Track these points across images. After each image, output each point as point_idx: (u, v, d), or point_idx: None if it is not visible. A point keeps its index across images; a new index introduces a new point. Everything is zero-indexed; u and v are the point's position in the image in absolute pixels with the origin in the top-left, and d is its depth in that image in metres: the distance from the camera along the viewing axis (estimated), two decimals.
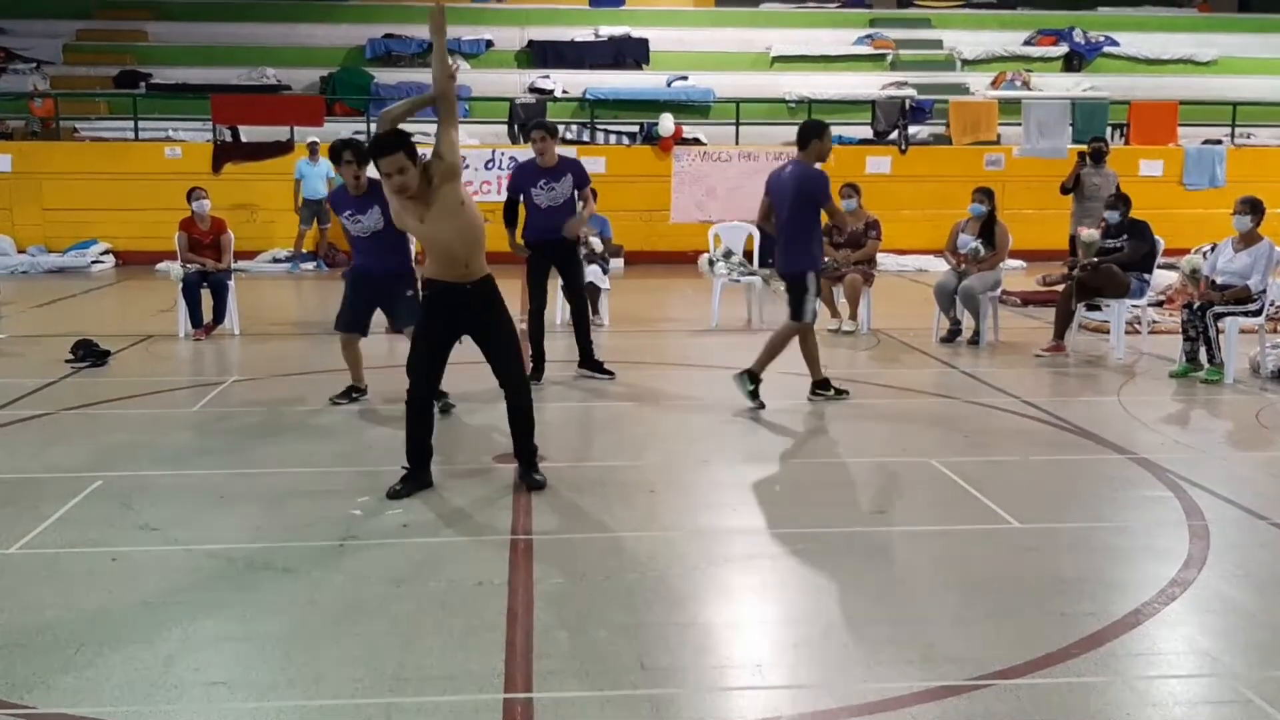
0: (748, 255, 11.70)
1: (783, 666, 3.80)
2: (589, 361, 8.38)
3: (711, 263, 11.44)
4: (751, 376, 7.48)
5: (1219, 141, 18.93)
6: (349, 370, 7.70)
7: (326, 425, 7.12)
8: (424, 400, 5.62)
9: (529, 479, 5.71)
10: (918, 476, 5.98)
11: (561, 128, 18.55)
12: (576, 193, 8.17)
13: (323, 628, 4.04)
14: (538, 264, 8.21)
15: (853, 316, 10.63)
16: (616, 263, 13.97)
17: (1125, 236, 9.52)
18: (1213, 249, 9.41)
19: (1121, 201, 9.75)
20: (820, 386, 7.76)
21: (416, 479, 5.63)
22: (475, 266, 5.49)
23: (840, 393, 7.77)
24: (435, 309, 5.52)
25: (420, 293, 5.85)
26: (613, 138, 18.39)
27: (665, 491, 5.73)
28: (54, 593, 4.35)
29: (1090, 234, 10.12)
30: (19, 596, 4.31)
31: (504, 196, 8.35)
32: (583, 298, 8.50)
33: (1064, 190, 13.08)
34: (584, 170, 8.33)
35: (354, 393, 7.68)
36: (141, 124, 17.75)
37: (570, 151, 17.30)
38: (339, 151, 7.46)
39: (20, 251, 16.35)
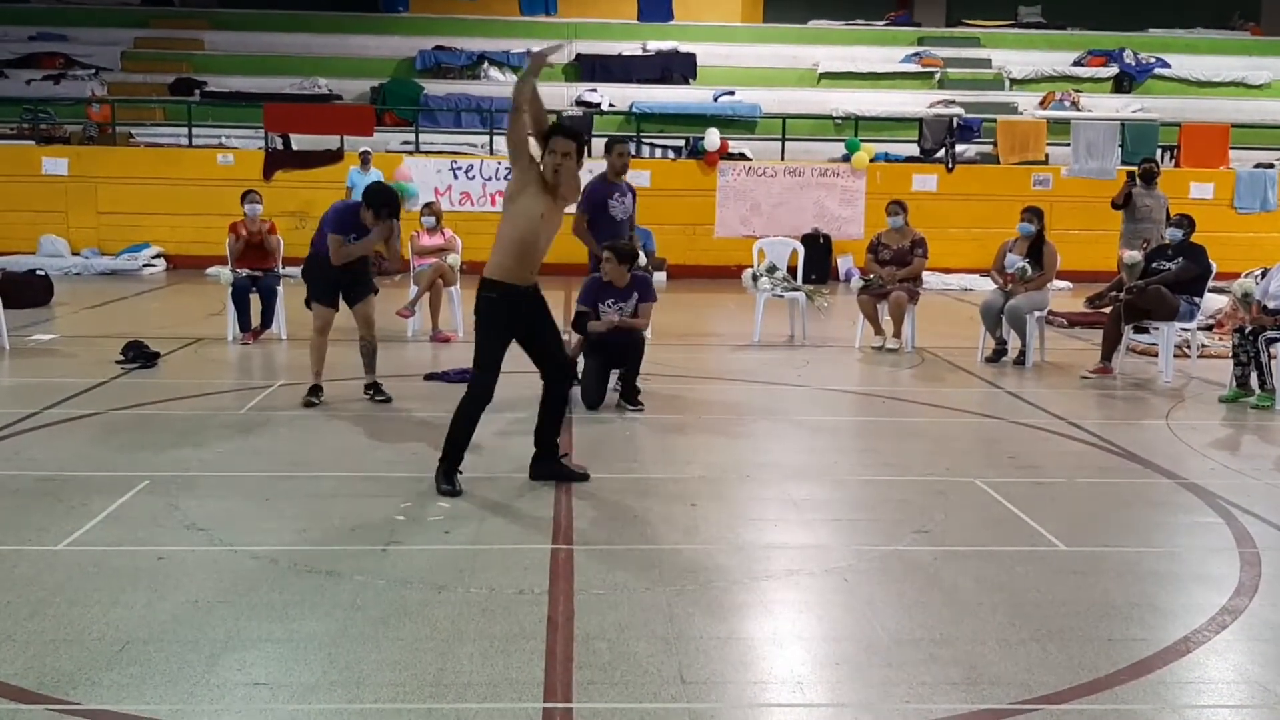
0: (792, 271, 11.66)
1: (823, 684, 3.77)
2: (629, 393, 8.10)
3: (755, 277, 11.41)
4: None
5: (1271, 165, 18.67)
6: (311, 362, 7.84)
7: (371, 430, 7.17)
8: (486, 402, 5.77)
9: (564, 470, 5.99)
10: (962, 496, 5.91)
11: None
12: (639, 307, 8.06)
13: (365, 631, 4.06)
14: (598, 362, 7.96)
15: (897, 334, 10.56)
16: (659, 276, 13.97)
17: (1180, 259, 9.39)
18: (1264, 273, 9.26)
19: (1186, 221, 9.59)
20: None
21: (454, 477, 5.77)
22: (536, 273, 5.81)
23: None
24: (498, 313, 5.70)
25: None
26: (659, 152, 18.46)
27: (707, 505, 5.71)
28: (100, 590, 4.40)
29: (1132, 255, 10.00)
30: (66, 593, 4.36)
31: None
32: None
33: (1115, 206, 12.94)
34: (651, 289, 8.19)
35: (320, 392, 7.82)
36: (195, 131, 18.06)
37: None
38: (383, 206, 7.65)
39: (74, 254, 16.65)
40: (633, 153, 18.05)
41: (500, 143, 17.92)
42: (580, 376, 7.68)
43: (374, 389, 7.93)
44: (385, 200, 7.65)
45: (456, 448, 5.76)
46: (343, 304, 7.95)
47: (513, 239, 5.63)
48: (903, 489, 6.07)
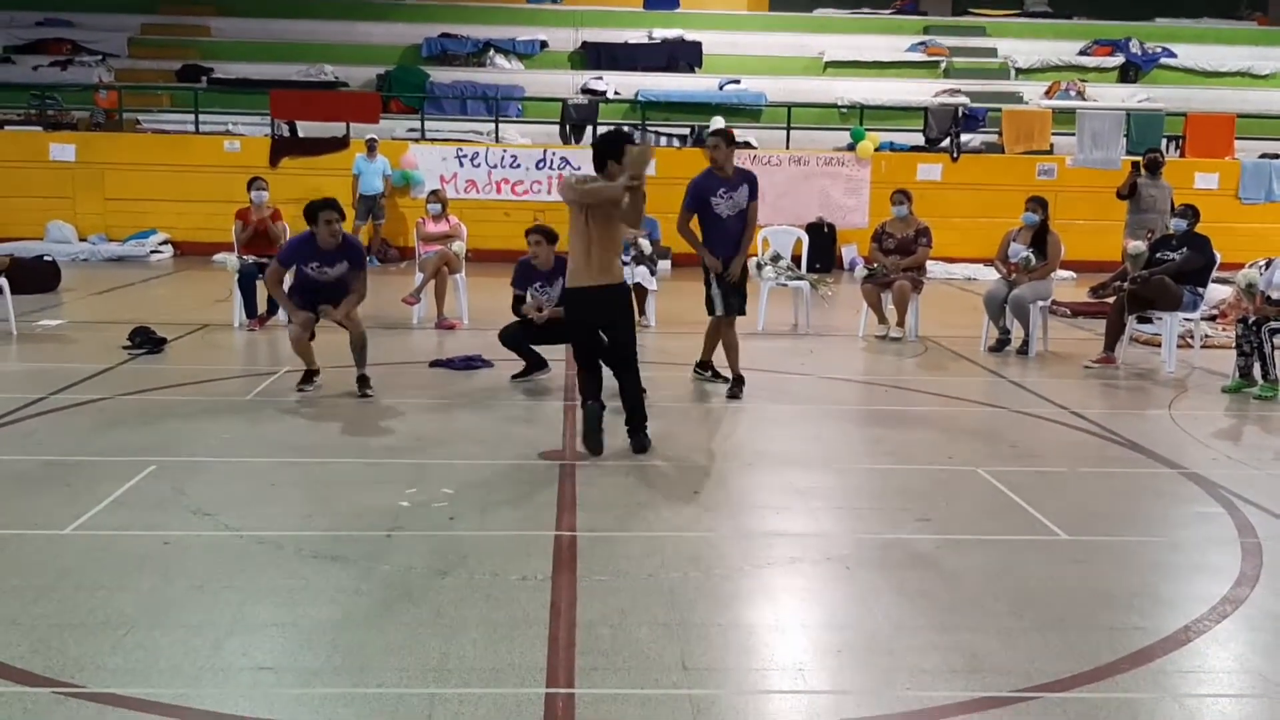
0: (796, 259, 11.66)
1: (825, 671, 3.79)
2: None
3: (760, 266, 11.41)
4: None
5: (1276, 156, 18.60)
6: (303, 361, 7.86)
7: (376, 416, 7.19)
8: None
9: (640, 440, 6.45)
10: (964, 485, 5.93)
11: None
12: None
13: (369, 616, 4.09)
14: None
15: (900, 323, 10.56)
16: (663, 264, 13.98)
17: (1184, 249, 9.37)
18: (1268, 264, 9.24)
19: (1190, 212, 9.57)
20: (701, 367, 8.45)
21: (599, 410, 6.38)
22: None
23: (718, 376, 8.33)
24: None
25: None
26: (663, 140, 18.41)
27: (709, 493, 5.73)
28: (107, 574, 4.44)
29: (1136, 245, 9.99)
30: (73, 577, 4.39)
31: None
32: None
33: (1120, 196, 12.92)
34: None
35: (314, 376, 7.87)
36: (202, 117, 18.03)
37: None
38: (319, 211, 7.65)
39: (82, 239, 16.66)
40: (637, 141, 18.14)
41: (505, 130, 17.94)
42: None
43: (361, 382, 7.77)
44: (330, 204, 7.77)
45: (594, 394, 6.38)
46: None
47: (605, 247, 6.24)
48: (905, 477, 6.08)
